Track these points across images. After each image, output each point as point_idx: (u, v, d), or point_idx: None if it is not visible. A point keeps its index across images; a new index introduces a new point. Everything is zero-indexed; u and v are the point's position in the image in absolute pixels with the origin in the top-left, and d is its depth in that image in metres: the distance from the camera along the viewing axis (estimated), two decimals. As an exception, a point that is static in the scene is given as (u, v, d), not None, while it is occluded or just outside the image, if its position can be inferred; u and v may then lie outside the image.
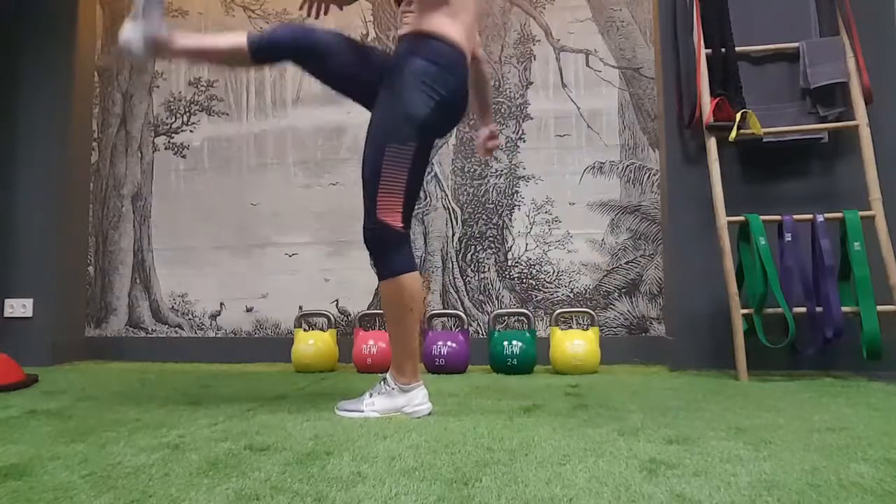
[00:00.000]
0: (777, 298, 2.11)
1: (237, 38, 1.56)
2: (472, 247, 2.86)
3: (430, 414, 1.53)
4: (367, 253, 1.55)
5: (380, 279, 1.54)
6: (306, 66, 1.62)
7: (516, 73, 2.89)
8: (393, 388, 1.54)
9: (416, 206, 2.90)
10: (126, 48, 1.51)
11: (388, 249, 1.51)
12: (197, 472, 1.03)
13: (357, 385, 2.10)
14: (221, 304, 3.07)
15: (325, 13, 1.68)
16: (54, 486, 0.97)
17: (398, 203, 1.51)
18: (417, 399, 1.53)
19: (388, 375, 1.57)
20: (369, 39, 3.05)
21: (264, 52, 1.56)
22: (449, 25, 1.53)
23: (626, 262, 2.74)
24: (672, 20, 2.53)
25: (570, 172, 2.81)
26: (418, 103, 1.49)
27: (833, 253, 2.12)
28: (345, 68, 1.61)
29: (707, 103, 2.29)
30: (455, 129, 1.64)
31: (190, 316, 3.09)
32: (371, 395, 1.56)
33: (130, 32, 1.50)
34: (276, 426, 1.40)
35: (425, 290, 2.74)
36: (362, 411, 1.53)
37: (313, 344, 2.57)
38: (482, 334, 2.79)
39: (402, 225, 1.53)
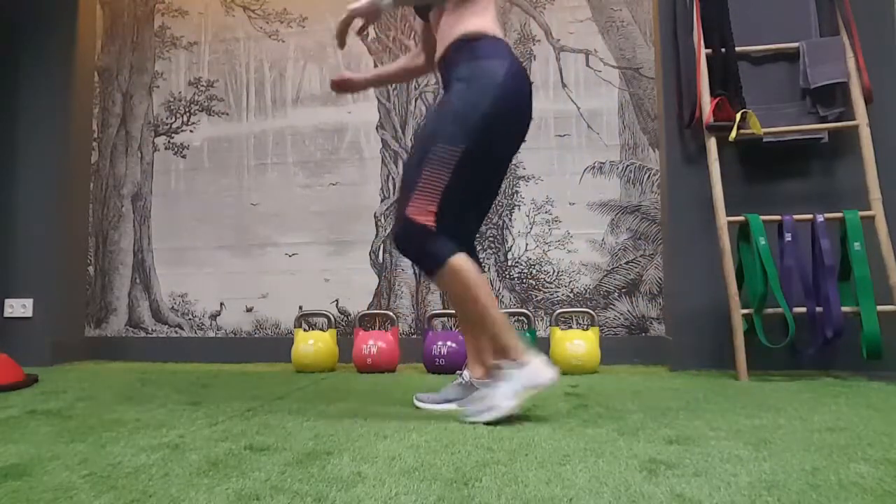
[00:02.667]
0: (777, 298, 2.11)
1: None
2: (472, 247, 2.85)
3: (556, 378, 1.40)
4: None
5: (430, 277, 1.42)
6: None
7: (516, 73, 2.89)
8: (511, 370, 1.40)
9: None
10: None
11: (420, 245, 1.43)
12: (197, 472, 1.03)
13: (357, 385, 2.10)
14: (221, 304, 3.07)
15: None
16: (54, 486, 0.97)
17: (433, 204, 1.42)
18: (540, 365, 1.40)
19: (492, 366, 1.43)
20: (369, 40, 3.05)
21: None
22: (487, 21, 1.49)
23: (626, 262, 2.74)
24: (672, 20, 2.53)
25: (570, 172, 2.81)
26: (469, 102, 1.43)
27: (833, 253, 2.12)
28: None
29: (707, 103, 2.29)
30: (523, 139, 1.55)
31: (190, 316, 3.09)
32: (493, 388, 1.41)
33: None
34: (276, 426, 1.40)
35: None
36: (499, 406, 1.37)
37: (313, 344, 2.57)
38: (482, 334, 2.78)
39: (431, 222, 1.42)
